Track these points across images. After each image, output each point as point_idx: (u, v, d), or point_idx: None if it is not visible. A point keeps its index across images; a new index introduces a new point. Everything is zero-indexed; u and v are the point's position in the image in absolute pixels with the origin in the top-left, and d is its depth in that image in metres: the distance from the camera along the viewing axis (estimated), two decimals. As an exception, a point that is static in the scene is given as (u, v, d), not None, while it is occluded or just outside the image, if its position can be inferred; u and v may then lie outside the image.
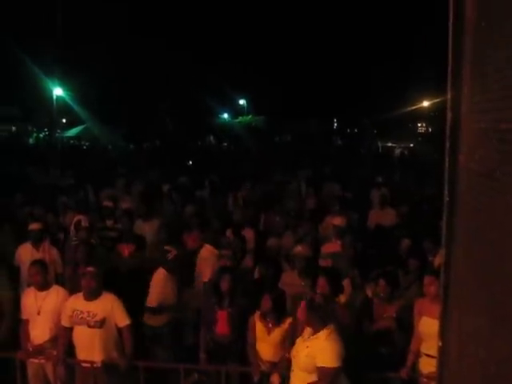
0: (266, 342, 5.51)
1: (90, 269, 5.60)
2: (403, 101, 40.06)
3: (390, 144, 43.45)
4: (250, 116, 48.53)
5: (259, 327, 5.54)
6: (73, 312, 5.55)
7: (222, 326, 5.93)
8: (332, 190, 12.99)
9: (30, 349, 5.84)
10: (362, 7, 39.48)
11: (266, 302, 5.45)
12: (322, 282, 5.55)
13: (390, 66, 40.12)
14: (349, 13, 39.68)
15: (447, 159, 1.62)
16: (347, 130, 52.70)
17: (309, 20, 39.85)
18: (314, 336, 4.61)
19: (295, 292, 6.07)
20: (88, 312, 5.50)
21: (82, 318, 5.50)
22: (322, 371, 4.42)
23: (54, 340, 5.81)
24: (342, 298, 5.93)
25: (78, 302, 5.60)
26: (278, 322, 5.50)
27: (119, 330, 5.60)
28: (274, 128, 45.10)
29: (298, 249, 6.84)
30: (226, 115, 48.99)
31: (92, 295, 5.55)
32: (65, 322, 5.66)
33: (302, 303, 4.77)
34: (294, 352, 4.73)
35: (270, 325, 5.50)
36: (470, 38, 1.46)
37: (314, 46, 40.70)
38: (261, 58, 39.22)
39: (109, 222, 9.34)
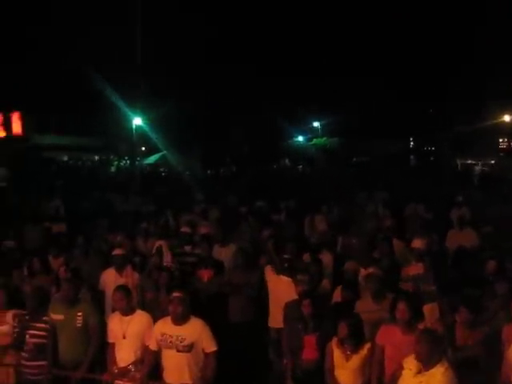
0: (344, 369, 5.44)
1: (177, 294, 5.68)
2: (482, 115, 38.79)
3: (469, 161, 42.12)
4: (324, 138, 48.43)
5: (337, 354, 5.48)
6: (162, 336, 5.66)
7: (310, 351, 5.87)
8: (416, 211, 12.70)
9: (116, 371, 6.01)
10: (435, 19, 38.61)
11: (343, 329, 5.39)
12: (401, 306, 5.39)
13: (467, 80, 38.98)
14: (420, 25, 38.90)
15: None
16: (424, 149, 51.48)
17: (380, 37, 39.36)
18: (428, 372, 4.45)
19: (372, 318, 5.96)
20: (177, 336, 5.58)
21: (170, 342, 5.60)
22: None
23: (138, 363, 5.96)
24: (425, 324, 5.76)
25: (166, 326, 5.70)
26: (355, 348, 5.42)
27: (205, 356, 5.65)
28: (349, 149, 44.77)
29: (370, 270, 6.70)
30: (300, 138, 49.10)
31: (180, 320, 5.63)
32: (152, 346, 5.79)
33: (419, 334, 4.59)
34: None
35: (348, 351, 5.43)
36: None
37: (386, 64, 40.20)
38: (335, 81, 39.06)
39: (187, 248, 9.52)
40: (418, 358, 4.63)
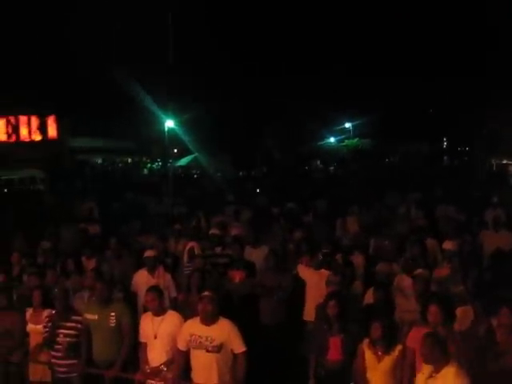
0: (375, 370, 5.39)
1: (207, 293, 5.70)
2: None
3: (504, 161, 41.32)
4: (356, 139, 48.19)
5: (368, 355, 5.44)
6: (191, 336, 5.68)
7: (335, 352, 5.83)
8: (446, 213, 12.54)
9: (148, 371, 6.06)
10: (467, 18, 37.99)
11: (377, 330, 5.35)
12: (433, 309, 5.32)
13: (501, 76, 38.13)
14: (454, 25, 38.36)
15: None
16: (458, 149, 50.74)
17: (415, 37, 38.92)
18: (439, 374, 4.46)
19: (414, 318, 5.98)
20: (206, 337, 5.59)
21: (200, 342, 5.61)
22: None
23: (169, 363, 6.00)
24: (459, 327, 5.68)
25: (195, 326, 5.71)
26: (387, 350, 5.37)
27: (234, 356, 5.67)
28: (382, 150, 44.45)
29: (419, 271, 6.71)
30: (332, 139, 48.93)
31: (209, 320, 5.64)
32: (181, 346, 5.82)
33: (423, 337, 4.65)
34: None
35: (380, 353, 5.39)
36: None
37: (419, 64, 39.75)
38: (368, 81, 38.76)
39: (217, 249, 9.57)
40: (425, 361, 4.69)
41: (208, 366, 5.61)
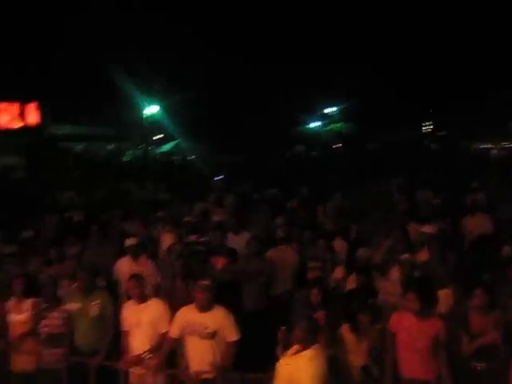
0: (355, 353, 5.48)
1: (205, 282, 5.81)
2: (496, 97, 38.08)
3: (484, 145, 41.55)
4: (340, 123, 48.15)
5: (348, 339, 5.52)
6: (186, 323, 5.78)
7: None
8: (426, 197, 12.64)
9: (131, 359, 6.09)
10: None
11: (365, 318, 5.45)
12: (411, 296, 5.36)
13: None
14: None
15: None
16: (438, 133, 50.96)
17: (398, 21, 38.78)
18: (299, 354, 4.72)
19: (396, 302, 6.09)
20: (200, 324, 5.69)
21: (194, 329, 5.72)
22: None
23: (153, 350, 6.03)
24: (439, 310, 5.76)
25: (190, 313, 5.81)
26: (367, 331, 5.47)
27: (225, 344, 5.74)
28: (365, 135, 44.48)
29: (406, 256, 6.78)
30: (316, 123, 48.85)
31: (205, 308, 5.74)
32: (174, 334, 5.90)
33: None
34: (278, 367, 4.83)
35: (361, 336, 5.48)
36: None
37: (400, 49, 39.71)
38: (351, 64, 38.71)
39: (191, 237, 9.56)
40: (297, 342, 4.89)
41: (202, 352, 5.71)
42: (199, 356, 5.73)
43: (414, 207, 11.68)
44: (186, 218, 10.24)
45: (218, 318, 5.72)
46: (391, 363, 5.38)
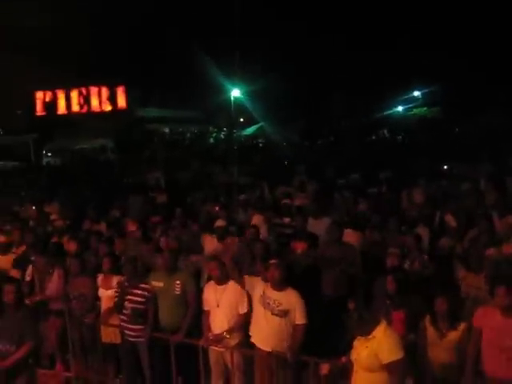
0: (438, 347, 5.29)
1: (274, 261, 5.95)
2: None
3: None
4: (425, 108, 46.81)
5: (430, 331, 5.34)
6: (262, 294, 5.94)
7: (398, 326, 5.73)
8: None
9: (211, 337, 6.26)
10: None
11: (442, 304, 5.24)
12: (500, 291, 5.02)
13: None
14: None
15: None
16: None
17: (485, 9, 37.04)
18: (371, 335, 4.62)
19: (480, 296, 5.87)
20: (274, 300, 5.84)
21: (268, 303, 5.86)
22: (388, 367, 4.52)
23: (231, 330, 6.18)
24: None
25: (267, 288, 5.96)
26: (451, 326, 5.27)
27: (294, 326, 5.81)
28: (451, 120, 43.00)
29: (490, 251, 6.55)
30: (400, 108, 47.75)
31: (278, 286, 5.88)
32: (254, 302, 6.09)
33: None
34: (354, 354, 4.74)
35: (444, 330, 5.29)
36: None
37: (488, 30, 37.86)
38: (436, 47, 37.45)
39: (286, 219, 9.66)
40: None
41: (270, 327, 5.83)
42: (266, 331, 5.86)
43: (502, 196, 11.19)
44: (284, 201, 10.39)
45: (291, 299, 5.83)
46: (473, 361, 5.13)
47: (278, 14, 35.62)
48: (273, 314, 5.82)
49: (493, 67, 38.67)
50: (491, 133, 31.69)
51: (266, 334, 5.88)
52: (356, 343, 4.79)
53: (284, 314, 5.78)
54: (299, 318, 5.79)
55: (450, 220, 9.06)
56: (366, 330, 4.67)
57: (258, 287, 6.11)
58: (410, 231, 8.20)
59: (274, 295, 5.85)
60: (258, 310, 5.99)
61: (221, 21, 31.11)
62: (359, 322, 4.67)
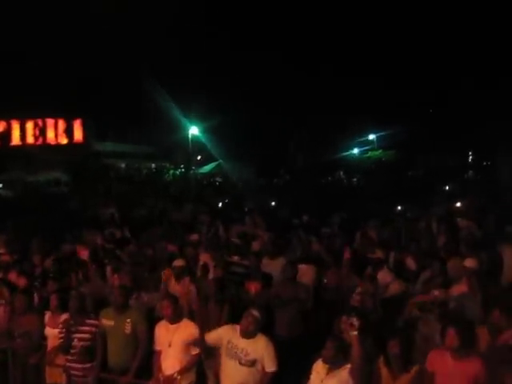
0: None
1: (256, 313, 5.71)
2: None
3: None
4: (380, 151, 47.89)
5: (384, 372, 5.25)
6: (228, 343, 5.74)
7: None
8: (467, 228, 12.32)
9: (162, 378, 6.09)
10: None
11: (394, 347, 5.17)
12: (450, 332, 5.03)
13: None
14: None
15: None
16: (483, 163, 49.90)
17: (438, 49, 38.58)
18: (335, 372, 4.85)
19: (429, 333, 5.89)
20: (242, 349, 5.65)
21: (235, 352, 5.67)
22: None
23: (183, 371, 6.03)
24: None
25: (235, 335, 5.75)
26: (404, 368, 5.15)
27: (263, 374, 5.67)
28: (405, 163, 44.04)
29: (435, 293, 6.59)
30: (355, 150, 48.72)
31: (249, 335, 5.69)
32: (211, 339, 5.95)
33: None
34: None
35: (397, 372, 5.19)
36: None
37: (443, 77, 39.39)
38: (389, 94, 38.66)
39: (235, 258, 9.57)
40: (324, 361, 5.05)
41: (237, 377, 5.65)
42: (233, 381, 5.67)
43: (454, 238, 11.39)
44: (233, 239, 10.32)
45: (260, 347, 5.66)
46: None
47: (237, 52, 36.17)
48: (240, 364, 5.64)
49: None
50: (443, 176, 32.50)
51: (230, 382, 5.71)
52: (315, 376, 4.95)
53: (252, 363, 5.62)
54: (269, 366, 5.65)
55: (411, 263, 9.12)
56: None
57: (224, 335, 5.86)
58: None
59: (242, 343, 5.67)
60: (225, 361, 5.78)
61: (182, 60, 31.41)
62: None
